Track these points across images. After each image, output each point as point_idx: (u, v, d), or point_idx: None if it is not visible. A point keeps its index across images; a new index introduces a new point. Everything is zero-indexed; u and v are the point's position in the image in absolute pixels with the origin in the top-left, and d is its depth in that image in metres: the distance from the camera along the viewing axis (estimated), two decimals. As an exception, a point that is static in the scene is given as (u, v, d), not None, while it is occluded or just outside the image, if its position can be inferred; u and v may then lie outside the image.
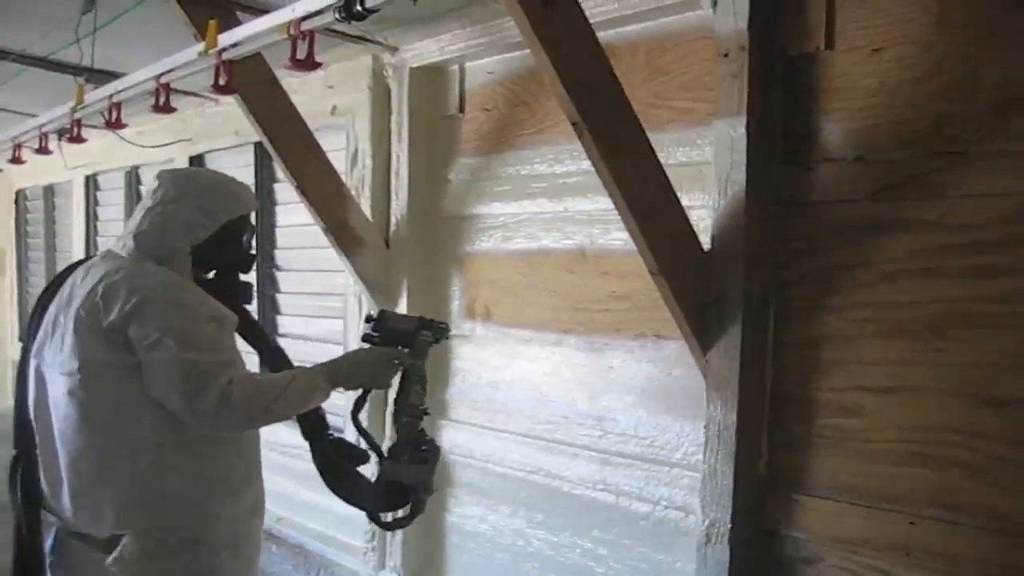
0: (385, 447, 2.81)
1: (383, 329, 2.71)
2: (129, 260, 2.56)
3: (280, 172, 5.14)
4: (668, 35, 3.23)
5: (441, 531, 4.28)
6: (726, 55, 2.84)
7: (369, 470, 2.84)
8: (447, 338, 2.81)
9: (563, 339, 3.65)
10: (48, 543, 2.63)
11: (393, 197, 4.33)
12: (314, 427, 2.86)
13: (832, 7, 2.75)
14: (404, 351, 2.69)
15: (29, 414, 2.63)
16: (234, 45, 3.31)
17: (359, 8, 2.69)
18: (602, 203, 3.39)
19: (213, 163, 5.96)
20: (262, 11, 3.67)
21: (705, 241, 2.94)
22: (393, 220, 4.33)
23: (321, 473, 2.87)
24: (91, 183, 7.73)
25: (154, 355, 2.38)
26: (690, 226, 2.91)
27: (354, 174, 4.47)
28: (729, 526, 2.90)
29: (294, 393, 2.51)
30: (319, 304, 5.02)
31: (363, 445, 2.88)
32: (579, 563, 3.62)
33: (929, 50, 2.58)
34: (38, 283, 9.12)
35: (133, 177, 7.08)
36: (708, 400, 2.96)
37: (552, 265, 3.70)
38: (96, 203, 7.78)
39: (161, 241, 2.58)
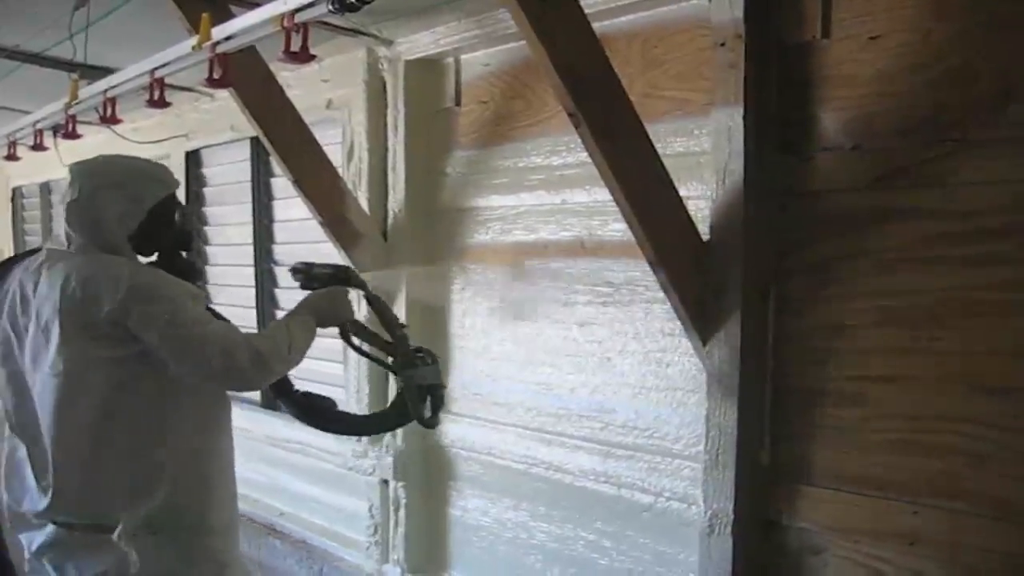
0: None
1: (315, 276, 2.94)
2: (85, 254, 2.56)
3: (277, 167, 5.13)
4: (663, 25, 3.21)
5: (444, 525, 4.28)
6: (722, 45, 2.83)
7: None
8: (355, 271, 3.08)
9: (563, 330, 3.64)
10: (38, 544, 2.63)
11: (390, 190, 4.31)
12: (281, 385, 2.93)
13: (828, -5, 2.74)
14: (345, 287, 2.94)
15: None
16: (228, 38, 3.29)
17: (352, 0, 2.67)
18: (600, 195, 3.39)
19: (209, 158, 5.93)
20: (255, 4, 3.65)
21: (704, 232, 2.93)
22: (391, 213, 4.32)
23: (312, 421, 3.06)
24: (88, 180, 7.69)
25: (170, 336, 2.44)
26: (688, 217, 2.90)
27: (351, 168, 4.45)
28: (732, 517, 2.91)
29: (298, 336, 2.65)
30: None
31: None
32: (582, 555, 3.62)
33: (927, 38, 2.57)
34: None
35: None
36: (709, 391, 2.96)
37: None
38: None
39: (100, 234, 2.58)
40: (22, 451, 2.63)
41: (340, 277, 2.95)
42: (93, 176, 2.62)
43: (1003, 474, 2.47)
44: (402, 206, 4.25)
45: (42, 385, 2.54)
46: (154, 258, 2.78)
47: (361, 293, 3.02)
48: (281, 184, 5.21)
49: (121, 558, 2.50)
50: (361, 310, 3.24)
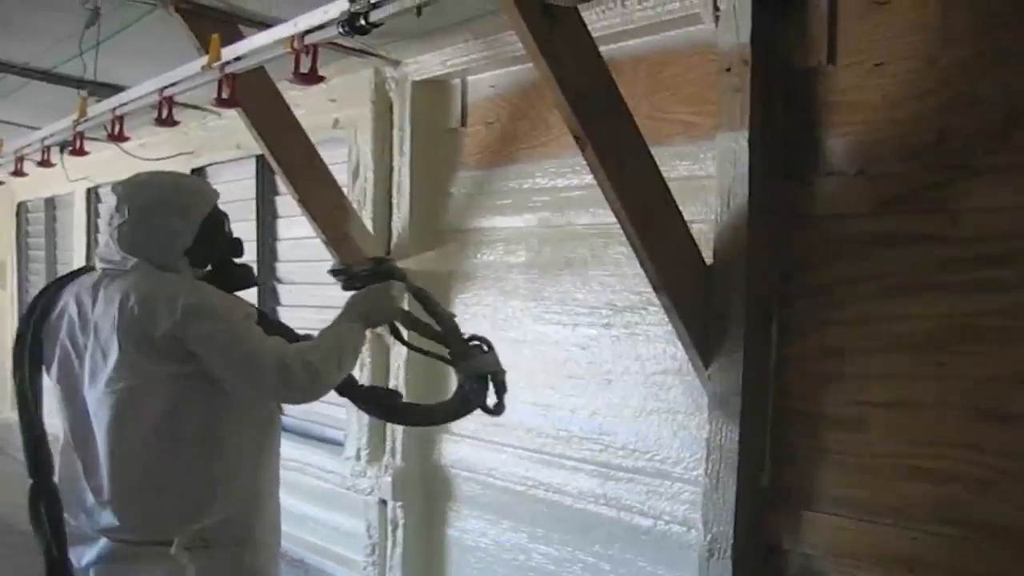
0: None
1: (356, 276, 2.86)
2: (142, 272, 2.56)
3: (282, 185, 5.15)
4: (670, 49, 3.23)
5: (441, 545, 4.27)
6: (728, 70, 2.84)
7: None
8: (394, 262, 3.03)
9: (564, 352, 3.65)
10: (88, 559, 2.62)
11: (395, 210, 4.33)
12: (345, 381, 2.84)
13: (834, 22, 2.75)
14: (389, 283, 2.84)
15: (46, 441, 2.62)
16: (238, 59, 3.31)
17: (363, 23, 2.69)
18: (604, 217, 3.40)
19: (215, 176, 5.95)
20: (265, 25, 3.68)
21: (707, 255, 2.94)
22: (395, 233, 4.34)
23: (390, 412, 3.07)
24: (93, 196, 7.72)
25: (228, 354, 2.46)
26: (692, 240, 2.91)
27: (356, 187, 4.47)
28: (732, 541, 2.89)
29: (349, 345, 2.66)
30: (321, 317, 4.95)
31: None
32: (581, 577, 3.61)
33: (932, 65, 2.58)
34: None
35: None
36: (710, 414, 2.96)
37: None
38: (98, 216, 7.77)
39: (156, 253, 2.58)
40: (78, 466, 2.61)
41: (381, 273, 2.87)
42: (140, 197, 2.62)
43: (1005, 500, 2.45)
44: (406, 226, 4.27)
45: (98, 402, 2.53)
46: (208, 268, 2.77)
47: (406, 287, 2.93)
48: (285, 202, 5.23)
49: (176, 572, 2.52)
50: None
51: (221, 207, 2.77)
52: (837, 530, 2.77)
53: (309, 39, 2.90)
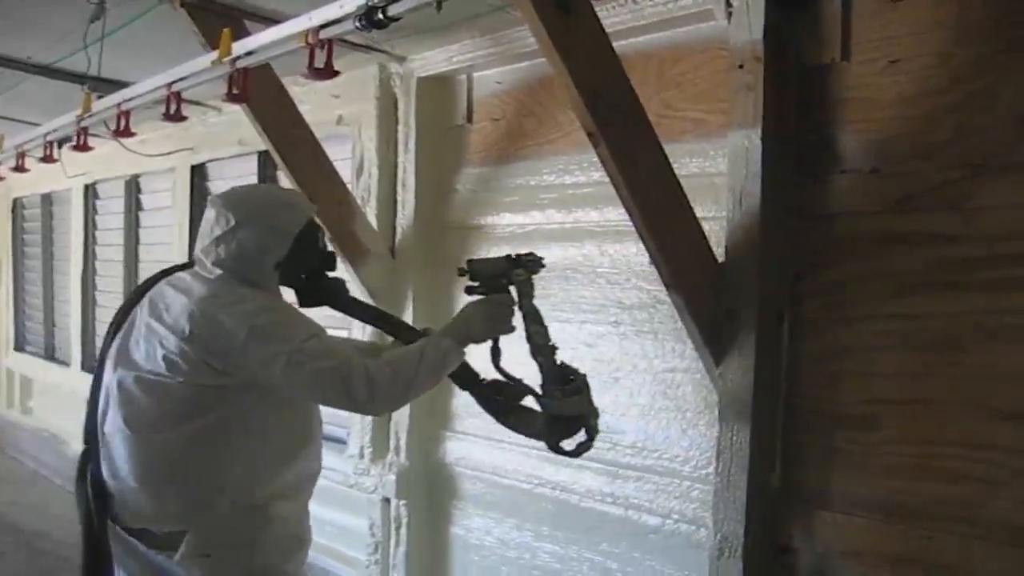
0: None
1: (480, 278, 2.69)
2: (220, 284, 2.60)
3: (285, 181, 5.13)
4: (681, 46, 3.22)
5: (445, 544, 4.26)
6: (741, 66, 2.83)
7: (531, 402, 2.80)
8: (542, 266, 2.76)
9: (571, 349, 3.62)
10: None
11: (399, 207, 4.32)
12: (463, 376, 2.82)
13: (848, 18, 2.75)
14: (508, 295, 2.68)
15: (99, 411, 2.68)
16: (249, 54, 3.29)
17: (381, 16, 2.66)
18: (612, 215, 3.39)
19: (215, 172, 5.94)
20: (271, 20, 3.66)
21: (717, 253, 2.93)
22: (399, 230, 4.32)
23: (494, 415, 2.88)
24: (90, 192, 7.69)
25: (290, 374, 2.48)
26: (704, 238, 2.90)
27: (360, 184, 4.45)
28: (742, 540, 2.88)
29: (429, 365, 2.58)
30: (323, 313, 4.97)
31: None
32: (587, 577, 3.60)
33: (947, 62, 2.57)
34: (36, 292, 9.08)
35: (133, 186, 7.05)
36: (721, 413, 2.94)
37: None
38: (95, 212, 7.75)
39: (244, 267, 2.61)
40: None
41: (502, 278, 2.68)
42: (238, 210, 2.65)
43: (1019, 500, 2.45)
44: (411, 223, 4.25)
45: (131, 380, 2.60)
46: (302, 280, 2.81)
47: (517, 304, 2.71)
48: (288, 199, 5.20)
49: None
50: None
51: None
52: (849, 530, 2.77)
53: (324, 34, 2.88)
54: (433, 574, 4.32)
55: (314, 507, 4.85)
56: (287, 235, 2.65)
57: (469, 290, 2.70)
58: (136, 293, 2.77)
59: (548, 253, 3.63)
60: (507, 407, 2.82)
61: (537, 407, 2.73)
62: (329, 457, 4.72)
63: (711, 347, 2.92)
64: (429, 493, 4.31)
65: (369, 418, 4.44)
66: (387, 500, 4.40)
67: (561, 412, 2.65)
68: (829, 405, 2.82)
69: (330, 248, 2.88)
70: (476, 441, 4.06)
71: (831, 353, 2.81)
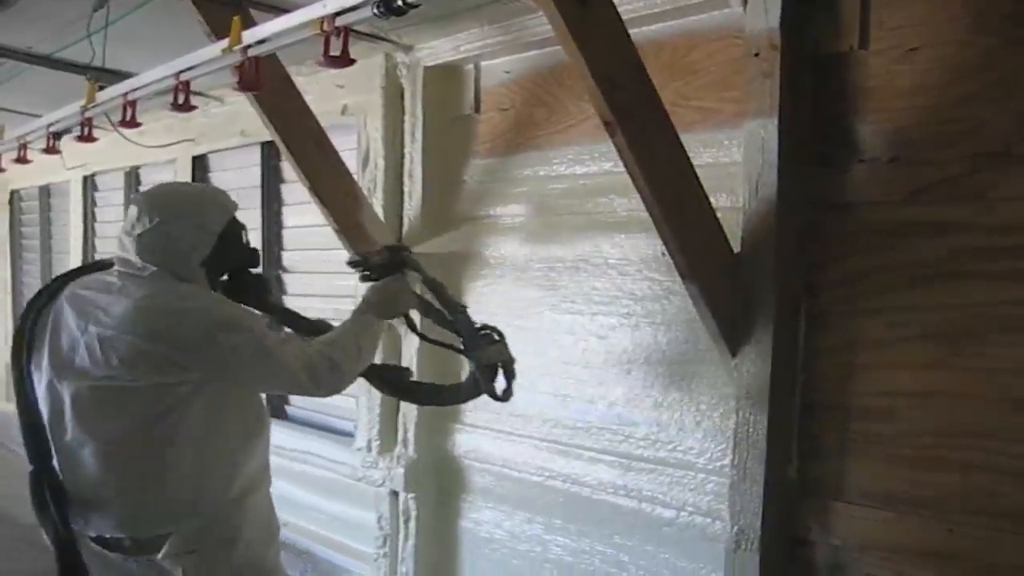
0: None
1: (374, 267, 2.99)
2: (159, 281, 2.59)
3: (288, 173, 5.10)
4: (694, 34, 3.18)
5: (454, 537, 4.23)
6: (756, 55, 2.80)
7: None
8: (409, 251, 3.19)
9: (582, 341, 3.61)
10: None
11: (406, 198, 4.28)
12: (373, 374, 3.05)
13: (866, 5, 2.72)
14: (401, 276, 3.01)
15: (44, 428, 2.63)
16: (260, 42, 3.24)
17: (400, 3, 2.62)
18: (624, 204, 3.37)
19: (218, 163, 5.90)
20: (277, 9, 3.62)
21: (732, 243, 2.90)
22: (406, 221, 4.28)
23: (385, 389, 3.25)
24: (89, 183, 7.63)
25: (257, 363, 2.56)
26: (720, 229, 2.87)
27: (366, 175, 4.41)
28: (759, 532, 2.86)
29: (368, 339, 2.83)
30: (327, 307, 4.92)
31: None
32: (600, 570, 3.57)
33: (967, 50, 2.54)
34: (33, 285, 9.01)
35: (133, 178, 6.99)
36: (737, 404, 2.92)
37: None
38: (94, 204, 7.69)
39: (173, 263, 2.62)
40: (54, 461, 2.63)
41: (395, 263, 2.99)
42: (161, 208, 2.65)
43: (1042, 492, 2.43)
44: (418, 214, 4.22)
45: (81, 395, 2.55)
46: (224, 278, 2.85)
47: (419, 277, 3.06)
48: (291, 190, 5.18)
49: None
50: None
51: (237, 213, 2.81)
52: (867, 522, 2.75)
53: (340, 21, 2.83)
54: (442, 568, 4.30)
55: (322, 500, 4.91)
56: (211, 233, 2.67)
57: (366, 278, 2.99)
58: (39, 304, 2.70)
59: (558, 243, 3.66)
60: (410, 384, 3.16)
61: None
62: (336, 450, 4.77)
63: (727, 338, 2.89)
64: (438, 486, 4.28)
65: (377, 411, 4.42)
66: (395, 493, 4.37)
67: (489, 360, 2.96)
68: (846, 397, 2.80)
69: (253, 245, 2.92)
70: (485, 433, 4.03)
71: (848, 344, 2.79)
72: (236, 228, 2.79)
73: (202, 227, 2.66)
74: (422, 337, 3.16)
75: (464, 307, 3.02)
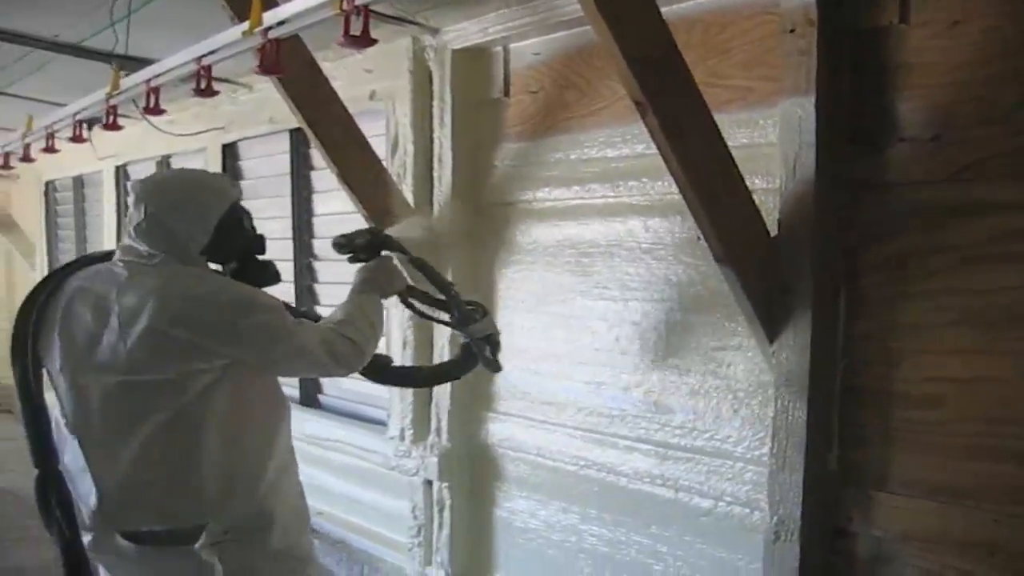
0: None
1: (359, 248, 3.05)
2: (171, 267, 2.57)
3: (317, 160, 5.06)
4: (728, 10, 3.08)
5: (489, 527, 4.19)
6: (792, 31, 2.71)
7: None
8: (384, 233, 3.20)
9: (616, 328, 3.54)
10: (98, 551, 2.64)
11: (436, 183, 4.21)
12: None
13: (907, -22, 2.62)
14: (387, 257, 3.09)
15: (50, 430, 2.61)
16: (281, 23, 3.19)
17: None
18: (657, 188, 3.30)
19: (247, 151, 5.87)
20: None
21: (769, 226, 2.82)
22: (436, 207, 4.22)
23: (372, 377, 3.17)
24: (121, 173, 7.64)
25: (278, 342, 2.58)
26: (757, 211, 2.79)
27: (395, 160, 4.36)
28: (799, 523, 2.80)
29: (378, 316, 2.89)
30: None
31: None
32: (636, 560, 3.51)
33: (1012, 23, 2.44)
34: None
35: (165, 167, 6.97)
36: (776, 392, 2.85)
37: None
38: (127, 193, 7.68)
39: (174, 250, 2.60)
40: (80, 459, 2.59)
41: (378, 244, 3.06)
42: (156, 197, 2.63)
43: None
44: (448, 199, 4.15)
45: (110, 393, 2.52)
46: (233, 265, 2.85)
47: (406, 257, 3.14)
48: (321, 177, 5.14)
49: (201, 568, 2.52)
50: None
51: (244, 200, 2.81)
52: (910, 512, 2.68)
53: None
54: (477, 557, 4.26)
55: (356, 489, 4.88)
56: (209, 221, 2.65)
57: (355, 259, 3.05)
58: (38, 301, 2.64)
59: (590, 228, 3.59)
60: (391, 369, 3.23)
61: None
62: (369, 439, 4.74)
63: (764, 324, 2.82)
64: (472, 475, 4.24)
65: (409, 399, 4.39)
66: (429, 482, 4.34)
67: (484, 331, 3.11)
68: (888, 383, 2.72)
69: (260, 233, 2.89)
70: (519, 422, 3.98)
71: (890, 329, 2.71)
72: (237, 215, 2.76)
73: (197, 218, 2.63)
74: (417, 312, 3.28)
75: (452, 284, 3.11)
